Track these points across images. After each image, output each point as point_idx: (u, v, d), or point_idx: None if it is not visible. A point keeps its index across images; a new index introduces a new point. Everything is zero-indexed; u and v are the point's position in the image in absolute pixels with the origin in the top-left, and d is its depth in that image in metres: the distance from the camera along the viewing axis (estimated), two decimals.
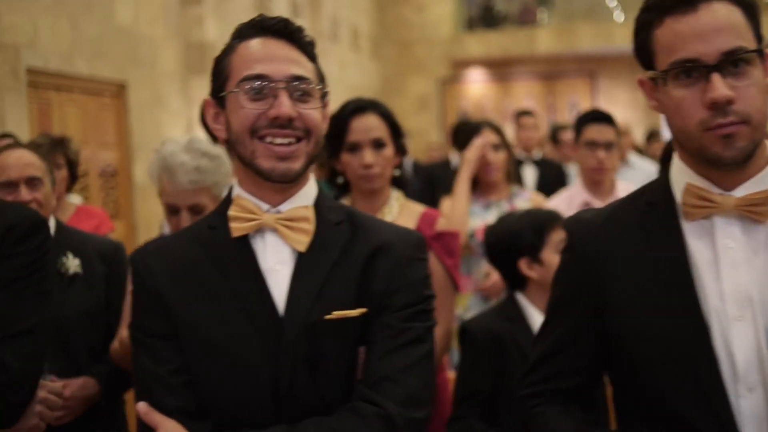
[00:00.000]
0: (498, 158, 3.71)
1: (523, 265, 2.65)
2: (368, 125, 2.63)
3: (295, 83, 1.59)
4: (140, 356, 1.60)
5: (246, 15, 9.04)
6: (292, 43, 1.64)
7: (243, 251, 1.62)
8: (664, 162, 4.12)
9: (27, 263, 1.74)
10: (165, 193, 2.62)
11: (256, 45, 1.63)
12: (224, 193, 2.55)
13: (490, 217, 3.67)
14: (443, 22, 16.95)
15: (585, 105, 16.57)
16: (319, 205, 1.66)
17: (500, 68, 17.36)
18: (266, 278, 1.59)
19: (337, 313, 1.56)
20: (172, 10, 9.19)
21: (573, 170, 7.10)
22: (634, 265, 1.59)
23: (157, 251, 1.67)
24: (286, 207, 1.63)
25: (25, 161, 2.64)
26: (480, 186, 3.80)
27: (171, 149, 2.62)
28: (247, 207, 1.62)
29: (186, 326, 1.58)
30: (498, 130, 3.86)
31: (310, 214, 1.63)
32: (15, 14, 6.59)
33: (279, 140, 1.57)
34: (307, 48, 1.65)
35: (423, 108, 16.79)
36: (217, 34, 9.78)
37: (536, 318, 2.63)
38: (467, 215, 3.59)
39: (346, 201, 2.71)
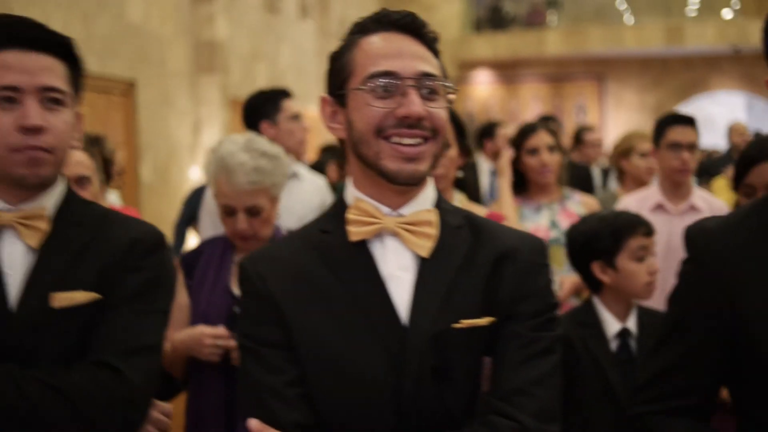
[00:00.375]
0: (552, 160, 3.65)
1: (597, 269, 2.57)
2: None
3: (423, 80, 1.50)
4: (251, 367, 1.51)
5: (256, 14, 9.07)
6: (418, 38, 1.54)
7: (362, 256, 1.53)
8: (701, 173, 4.09)
9: (151, 278, 1.68)
10: (222, 194, 2.52)
11: (381, 40, 1.53)
12: (280, 194, 2.53)
13: (542, 220, 3.63)
14: (451, 22, 16.89)
15: (592, 108, 16.54)
16: (439, 208, 1.57)
17: (507, 70, 17.32)
18: (387, 285, 1.51)
19: (465, 322, 1.48)
20: (183, 8, 9.13)
21: (595, 172, 7.07)
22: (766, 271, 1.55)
23: (268, 257, 1.59)
24: (408, 210, 1.55)
25: (74, 159, 2.59)
26: (530, 188, 3.73)
27: (229, 149, 2.52)
28: (367, 210, 1.53)
29: (302, 335, 1.49)
30: (553, 132, 3.81)
31: (434, 217, 1.54)
32: (28, 10, 6.53)
33: (406, 140, 1.49)
34: (432, 44, 1.56)
35: None
36: (227, 33, 9.73)
37: (611, 324, 2.56)
38: (517, 220, 3.53)
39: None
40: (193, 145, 9.32)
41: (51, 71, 1.61)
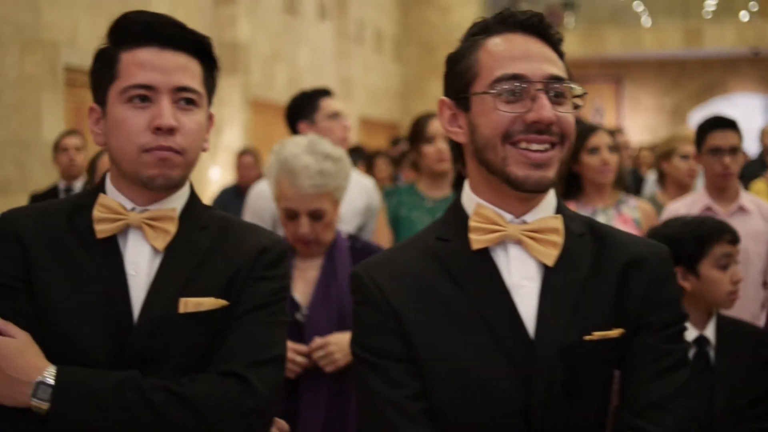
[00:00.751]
0: (613, 159, 3.60)
1: (678, 275, 2.50)
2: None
3: (552, 84, 1.43)
4: (371, 380, 1.44)
5: (275, 16, 9.04)
6: (544, 39, 1.48)
7: (485, 266, 1.46)
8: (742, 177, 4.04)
9: (278, 289, 1.62)
10: (284, 197, 2.45)
11: (507, 42, 1.46)
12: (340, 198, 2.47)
13: None
14: (467, 24, 16.59)
15: (610, 110, 16.44)
16: (561, 214, 1.51)
17: None
18: (511, 295, 1.45)
19: (597, 334, 1.42)
20: (206, 10, 9.09)
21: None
22: None
23: (385, 265, 1.52)
24: (532, 217, 1.48)
25: None
26: (586, 192, 3.66)
27: (293, 151, 2.45)
28: (490, 217, 1.47)
29: (424, 347, 1.43)
30: (612, 133, 3.76)
31: (560, 224, 1.48)
32: (55, 10, 6.49)
33: (535, 146, 1.42)
34: (558, 45, 1.50)
35: None
36: (248, 35, 9.69)
37: (688, 331, 2.48)
38: None
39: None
40: (213, 145, 9.27)
41: (186, 70, 1.54)
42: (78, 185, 5.30)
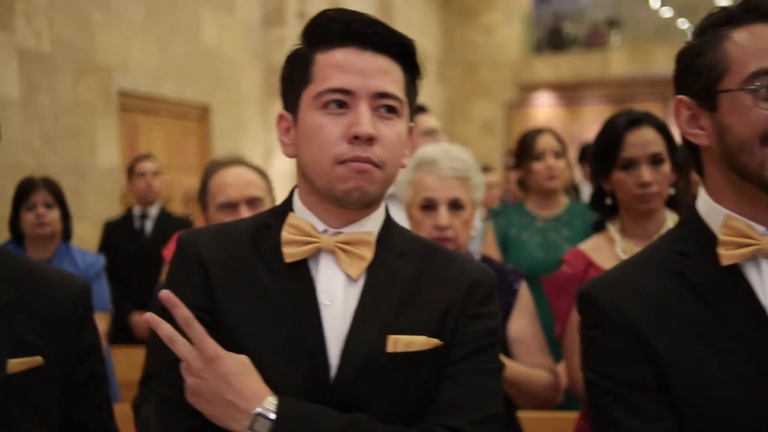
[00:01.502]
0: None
1: None
2: (645, 139, 2.35)
3: None
4: (619, 415, 1.30)
5: None
6: None
7: (737, 284, 1.32)
8: None
9: (493, 329, 1.43)
10: (423, 189, 2.36)
11: (761, 32, 1.32)
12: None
13: None
14: (511, 44, 16.63)
15: None
16: None
17: (569, 92, 16.98)
18: None
19: None
20: (255, 32, 8.98)
21: None
22: None
23: (620, 284, 1.39)
24: None
25: (245, 180, 2.46)
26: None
27: (428, 149, 2.42)
28: (741, 229, 1.32)
29: (681, 375, 1.29)
30: None
31: None
32: (108, 35, 6.39)
33: None
34: None
35: (487, 132, 16.46)
36: None
37: None
38: None
39: (613, 225, 2.45)
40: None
41: (387, 75, 1.36)
42: (153, 211, 5.23)
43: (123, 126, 6.67)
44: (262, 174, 2.54)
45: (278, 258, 1.37)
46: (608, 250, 2.40)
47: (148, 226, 5.21)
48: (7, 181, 4.49)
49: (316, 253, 1.38)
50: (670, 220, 2.41)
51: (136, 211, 5.26)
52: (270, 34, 9.20)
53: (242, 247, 1.40)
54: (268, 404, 1.26)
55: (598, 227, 2.50)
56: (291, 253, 1.36)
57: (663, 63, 15.58)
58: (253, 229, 1.42)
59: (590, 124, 16.54)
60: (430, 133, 3.65)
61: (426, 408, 1.34)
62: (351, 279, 1.37)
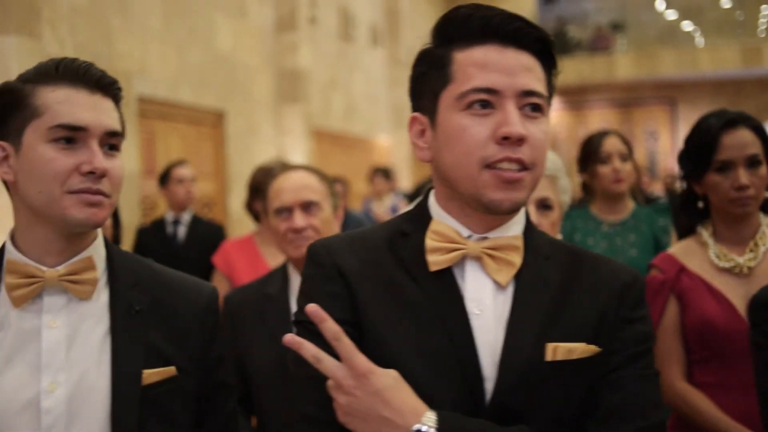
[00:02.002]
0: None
1: None
2: (742, 141, 2.26)
3: None
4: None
5: (332, 43, 8.88)
6: None
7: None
8: None
9: (648, 333, 1.38)
10: None
11: None
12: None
13: None
14: None
15: (664, 133, 16.13)
16: None
17: (574, 96, 16.98)
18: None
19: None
20: (268, 37, 8.99)
21: None
22: None
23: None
24: None
25: (300, 184, 2.44)
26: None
27: None
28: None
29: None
30: None
31: None
32: (128, 40, 6.41)
33: None
34: None
35: None
36: (309, 62, 9.57)
37: None
38: None
39: (705, 229, 2.38)
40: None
41: (531, 72, 1.31)
42: (186, 217, 5.24)
43: (141, 132, 6.68)
44: (323, 178, 2.52)
45: (421, 266, 1.32)
46: (701, 254, 2.34)
47: (181, 231, 5.21)
48: None
49: (461, 261, 1.33)
50: (765, 224, 2.34)
51: (169, 216, 5.25)
52: (282, 39, 9.21)
53: (381, 256, 1.35)
54: (428, 420, 1.19)
55: (686, 231, 2.43)
56: (436, 260, 1.32)
57: (669, 66, 15.60)
58: (388, 237, 1.38)
59: (596, 127, 16.56)
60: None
61: (585, 417, 1.30)
62: (499, 286, 1.32)
